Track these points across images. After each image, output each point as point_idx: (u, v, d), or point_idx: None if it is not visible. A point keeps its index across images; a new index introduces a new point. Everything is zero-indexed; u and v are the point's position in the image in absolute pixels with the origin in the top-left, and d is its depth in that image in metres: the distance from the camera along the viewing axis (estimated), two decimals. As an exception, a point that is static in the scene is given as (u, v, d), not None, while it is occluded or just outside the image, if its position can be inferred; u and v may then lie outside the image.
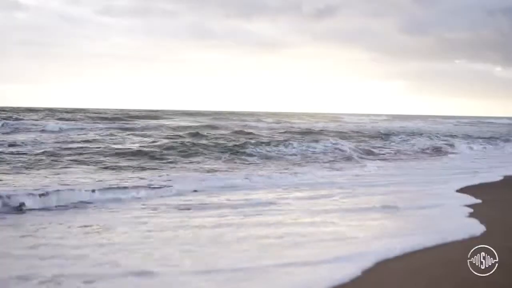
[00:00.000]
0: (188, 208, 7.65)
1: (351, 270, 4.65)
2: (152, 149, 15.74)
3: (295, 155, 16.73)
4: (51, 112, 41.27)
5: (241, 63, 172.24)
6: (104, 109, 66.52)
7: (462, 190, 9.83)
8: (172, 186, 9.43)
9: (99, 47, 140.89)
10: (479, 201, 8.58)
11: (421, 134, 28.88)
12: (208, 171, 12.14)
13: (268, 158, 15.75)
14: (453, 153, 20.80)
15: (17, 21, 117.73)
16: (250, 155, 15.94)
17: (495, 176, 12.48)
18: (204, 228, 6.27)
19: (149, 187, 9.23)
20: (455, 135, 30.08)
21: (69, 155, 13.96)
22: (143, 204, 7.87)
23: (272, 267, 4.72)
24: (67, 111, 47.84)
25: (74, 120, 32.70)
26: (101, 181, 9.79)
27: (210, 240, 5.70)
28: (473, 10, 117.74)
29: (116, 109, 66.47)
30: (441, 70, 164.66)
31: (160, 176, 10.88)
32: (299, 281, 4.41)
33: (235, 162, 14.35)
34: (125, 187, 8.93)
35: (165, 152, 15.43)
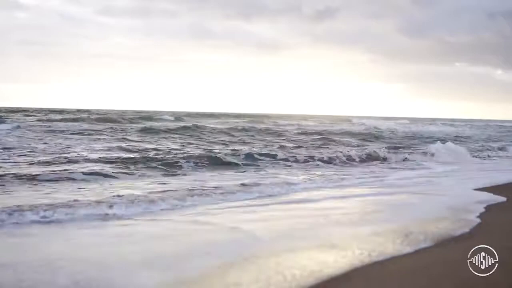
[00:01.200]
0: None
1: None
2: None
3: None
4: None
5: (241, 64, 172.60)
6: (105, 110, 66.46)
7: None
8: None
9: (100, 47, 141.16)
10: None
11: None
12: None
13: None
14: None
15: (17, 20, 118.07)
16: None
17: None
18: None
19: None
20: None
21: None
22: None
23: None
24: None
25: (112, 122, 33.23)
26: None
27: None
28: (474, 13, 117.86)
29: (129, 110, 66.49)
30: (441, 72, 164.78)
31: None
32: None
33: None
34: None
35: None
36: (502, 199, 9.00)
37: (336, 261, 4.91)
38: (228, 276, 4.49)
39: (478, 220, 6.92)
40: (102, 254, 5.09)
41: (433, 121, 75.13)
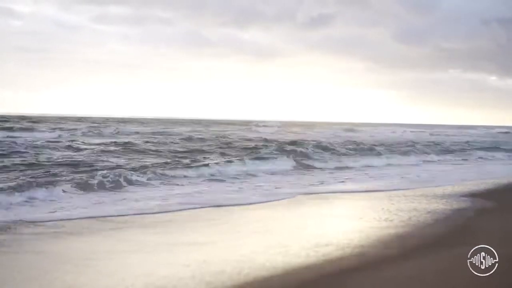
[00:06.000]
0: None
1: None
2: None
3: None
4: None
5: (237, 71, 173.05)
6: (107, 117, 66.45)
7: None
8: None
9: (95, 54, 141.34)
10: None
11: None
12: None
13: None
14: None
15: (12, 28, 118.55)
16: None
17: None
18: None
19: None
20: None
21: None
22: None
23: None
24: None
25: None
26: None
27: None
28: (469, 20, 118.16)
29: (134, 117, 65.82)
30: (435, 79, 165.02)
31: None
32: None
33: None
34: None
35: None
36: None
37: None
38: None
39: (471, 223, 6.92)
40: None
41: (420, 127, 74.46)
